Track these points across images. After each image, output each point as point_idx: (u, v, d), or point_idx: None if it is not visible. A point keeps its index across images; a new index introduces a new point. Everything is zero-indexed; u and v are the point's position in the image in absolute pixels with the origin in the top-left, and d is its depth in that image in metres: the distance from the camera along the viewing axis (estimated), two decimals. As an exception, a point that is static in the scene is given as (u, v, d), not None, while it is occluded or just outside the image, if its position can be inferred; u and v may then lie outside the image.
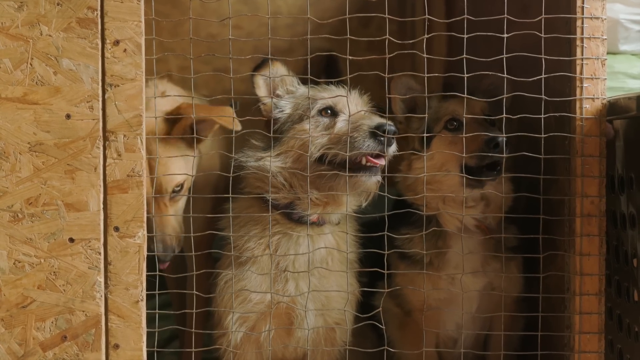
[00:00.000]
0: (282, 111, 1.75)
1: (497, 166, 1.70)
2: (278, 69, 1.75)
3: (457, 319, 1.83)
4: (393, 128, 1.61)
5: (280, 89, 1.78)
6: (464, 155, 1.69)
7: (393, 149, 1.65)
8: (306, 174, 1.63)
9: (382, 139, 1.59)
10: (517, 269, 1.84)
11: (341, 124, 1.68)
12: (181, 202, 1.81)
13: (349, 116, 1.66)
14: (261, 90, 1.75)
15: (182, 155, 1.75)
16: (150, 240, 1.70)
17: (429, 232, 1.72)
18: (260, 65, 1.73)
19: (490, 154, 1.66)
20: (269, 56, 1.71)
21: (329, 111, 1.71)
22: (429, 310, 1.80)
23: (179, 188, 1.77)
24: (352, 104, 1.71)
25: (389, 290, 1.70)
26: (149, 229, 1.66)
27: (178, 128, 1.73)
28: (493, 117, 1.78)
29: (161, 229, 1.74)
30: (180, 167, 1.75)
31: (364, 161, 1.63)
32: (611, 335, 1.78)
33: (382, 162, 1.64)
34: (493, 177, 1.71)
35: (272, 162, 1.67)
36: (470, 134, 1.67)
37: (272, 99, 1.73)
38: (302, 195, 1.67)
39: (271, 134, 1.69)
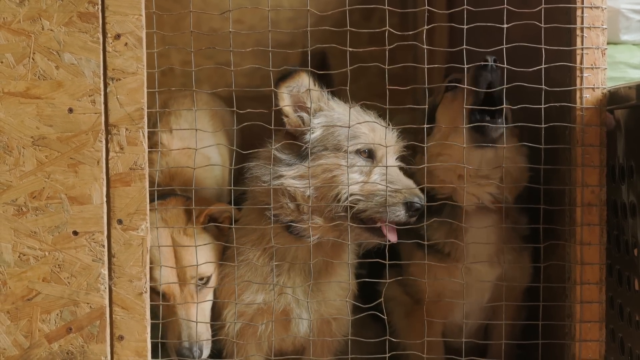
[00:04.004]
0: (313, 133, 1.66)
1: (496, 93, 1.67)
2: (303, 80, 1.66)
3: (467, 308, 1.83)
4: (422, 205, 1.61)
5: (308, 102, 1.68)
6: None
7: (414, 220, 1.64)
8: (325, 207, 1.61)
9: (412, 212, 1.59)
10: (529, 259, 1.84)
11: (377, 176, 1.62)
12: (209, 297, 1.73)
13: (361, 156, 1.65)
14: (286, 104, 1.66)
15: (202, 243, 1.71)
16: (176, 335, 1.66)
17: (445, 216, 1.72)
18: (285, 77, 1.65)
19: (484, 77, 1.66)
20: (295, 67, 1.64)
21: (367, 151, 1.66)
22: (441, 301, 1.80)
23: (203, 281, 1.71)
24: (385, 139, 1.66)
25: (395, 279, 1.70)
26: (175, 327, 1.66)
27: (197, 220, 1.71)
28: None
29: (187, 325, 1.66)
30: (207, 258, 1.70)
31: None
32: (612, 325, 1.79)
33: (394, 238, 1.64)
34: (496, 124, 1.68)
35: (292, 182, 1.62)
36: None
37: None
38: (305, 220, 1.63)
39: (273, 143, 1.64)
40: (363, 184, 1.61)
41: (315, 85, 1.69)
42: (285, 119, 1.67)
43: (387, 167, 1.63)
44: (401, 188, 1.61)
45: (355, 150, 1.64)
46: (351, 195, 1.60)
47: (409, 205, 1.59)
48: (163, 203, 1.74)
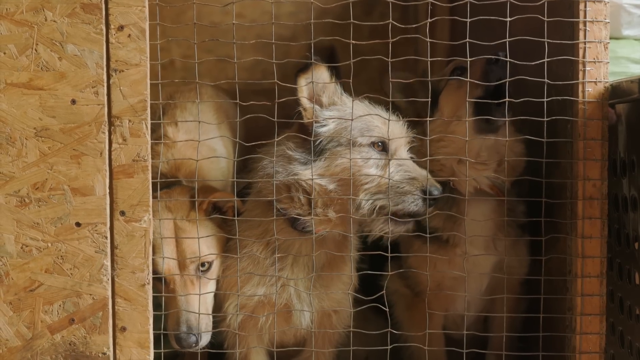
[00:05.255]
0: (325, 126, 1.67)
1: (503, 88, 1.68)
2: (322, 74, 1.66)
3: (467, 298, 1.84)
4: (440, 191, 1.63)
5: (324, 96, 1.68)
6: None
7: (431, 209, 1.65)
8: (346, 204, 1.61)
9: (430, 201, 1.60)
10: (526, 248, 1.85)
11: (392, 168, 1.63)
12: (210, 287, 1.74)
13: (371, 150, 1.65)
14: (304, 96, 1.66)
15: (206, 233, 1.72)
16: (174, 321, 1.67)
17: (443, 203, 1.72)
18: (304, 69, 1.65)
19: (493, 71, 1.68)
20: (313, 59, 1.64)
21: (381, 144, 1.66)
22: (441, 291, 1.80)
23: (205, 267, 1.72)
24: (396, 131, 1.66)
25: (397, 271, 1.71)
26: (175, 313, 1.67)
27: (199, 209, 1.73)
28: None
29: (186, 308, 1.67)
30: (208, 245, 1.72)
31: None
32: (612, 318, 1.79)
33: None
34: (501, 105, 1.68)
35: (314, 179, 1.61)
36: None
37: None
38: (317, 215, 1.64)
39: (276, 135, 1.63)
40: (379, 181, 1.61)
41: (332, 78, 1.69)
42: (302, 112, 1.67)
43: (389, 159, 1.64)
44: (417, 177, 1.62)
45: (370, 143, 1.65)
46: (373, 195, 1.60)
47: (426, 195, 1.60)
48: (168, 192, 1.75)
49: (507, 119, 1.70)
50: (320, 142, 1.65)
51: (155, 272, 1.64)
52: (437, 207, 1.72)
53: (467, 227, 1.74)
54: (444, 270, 1.77)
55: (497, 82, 1.69)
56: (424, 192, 1.60)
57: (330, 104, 1.69)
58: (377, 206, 1.61)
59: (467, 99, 1.69)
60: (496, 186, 1.79)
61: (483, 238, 1.79)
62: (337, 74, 1.76)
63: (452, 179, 1.79)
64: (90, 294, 1.55)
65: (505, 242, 1.79)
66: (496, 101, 1.68)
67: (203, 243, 1.67)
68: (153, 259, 1.63)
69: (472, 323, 1.95)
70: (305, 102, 1.66)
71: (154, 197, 1.61)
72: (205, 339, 1.69)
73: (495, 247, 1.82)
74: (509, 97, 1.69)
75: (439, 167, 1.80)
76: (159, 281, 1.69)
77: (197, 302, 1.68)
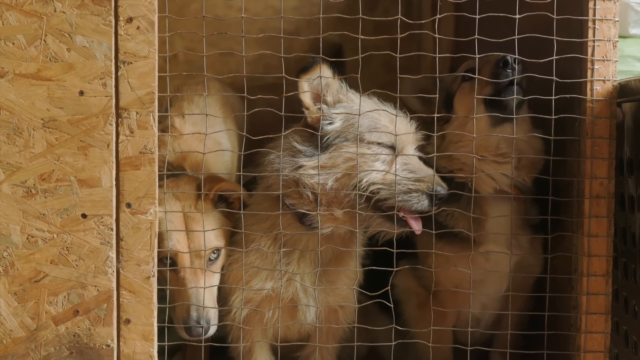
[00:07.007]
0: (332, 123, 1.65)
1: (514, 85, 1.68)
2: (324, 72, 1.63)
3: (483, 298, 1.83)
4: (446, 193, 1.61)
5: (329, 94, 1.66)
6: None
7: (435, 209, 1.63)
8: (345, 197, 1.60)
9: (436, 201, 1.59)
10: (541, 248, 1.84)
11: (398, 166, 1.61)
12: (216, 278, 1.75)
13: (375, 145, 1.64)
14: (307, 96, 1.63)
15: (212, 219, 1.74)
16: (184, 310, 1.67)
17: (464, 203, 1.71)
18: (306, 68, 1.62)
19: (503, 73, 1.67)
20: (319, 55, 1.61)
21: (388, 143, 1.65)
22: (459, 291, 1.79)
23: (215, 255, 1.73)
24: (404, 129, 1.65)
25: (402, 267, 1.70)
26: (184, 299, 1.67)
27: (207, 198, 1.73)
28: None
29: (196, 297, 1.67)
30: (216, 234, 1.72)
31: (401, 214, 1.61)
32: (617, 317, 1.80)
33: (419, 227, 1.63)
34: (512, 95, 1.68)
35: (312, 176, 1.61)
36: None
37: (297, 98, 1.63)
38: (321, 211, 1.63)
39: (283, 130, 1.61)
40: (385, 173, 1.60)
41: (335, 77, 1.67)
42: (306, 112, 1.65)
43: (396, 155, 1.63)
44: (424, 177, 1.61)
45: (377, 144, 1.63)
46: (373, 184, 1.60)
47: (432, 194, 1.59)
48: (175, 180, 1.76)
49: (520, 96, 1.69)
50: (328, 138, 1.64)
51: (163, 259, 1.64)
52: (460, 208, 1.72)
53: (489, 226, 1.74)
54: (465, 270, 1.76)
55: (508, 80, 1.69)
56: (430, 192, 1.58)
57: (335, 102, 1.68)
58: (377, 196, 1.59)
59: (478, 96, 1.68)
60: (516, 186, 1.78)
61: (506, 237, 1.77)
62: (342, 71, 1.75)
63: (464, 175, 1.78)
64: (95, 286, 1.55)
65: (522, 243, 1.79)
66: (505, 98, 1.68)
67: (211, 232, 1.68)
68: (160, 250, 1.63)
69: (491, 322, 1.94)
70: (307, 101, 1.65)
71: (160, 186, 1.61)
72: (212, 330, 1.70)
73: (518, 246, 1.80)
74: (522, 88, 1.69)
75: (459, 165, 1.79)
76: (165, 271, 1.69)
77: (207, 292, 1.68)
